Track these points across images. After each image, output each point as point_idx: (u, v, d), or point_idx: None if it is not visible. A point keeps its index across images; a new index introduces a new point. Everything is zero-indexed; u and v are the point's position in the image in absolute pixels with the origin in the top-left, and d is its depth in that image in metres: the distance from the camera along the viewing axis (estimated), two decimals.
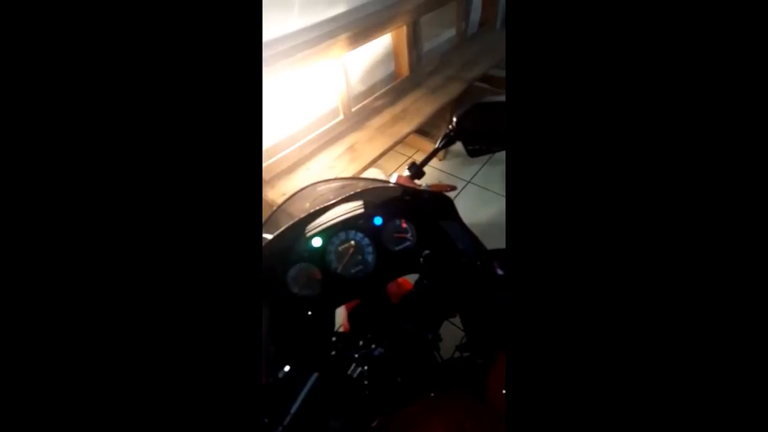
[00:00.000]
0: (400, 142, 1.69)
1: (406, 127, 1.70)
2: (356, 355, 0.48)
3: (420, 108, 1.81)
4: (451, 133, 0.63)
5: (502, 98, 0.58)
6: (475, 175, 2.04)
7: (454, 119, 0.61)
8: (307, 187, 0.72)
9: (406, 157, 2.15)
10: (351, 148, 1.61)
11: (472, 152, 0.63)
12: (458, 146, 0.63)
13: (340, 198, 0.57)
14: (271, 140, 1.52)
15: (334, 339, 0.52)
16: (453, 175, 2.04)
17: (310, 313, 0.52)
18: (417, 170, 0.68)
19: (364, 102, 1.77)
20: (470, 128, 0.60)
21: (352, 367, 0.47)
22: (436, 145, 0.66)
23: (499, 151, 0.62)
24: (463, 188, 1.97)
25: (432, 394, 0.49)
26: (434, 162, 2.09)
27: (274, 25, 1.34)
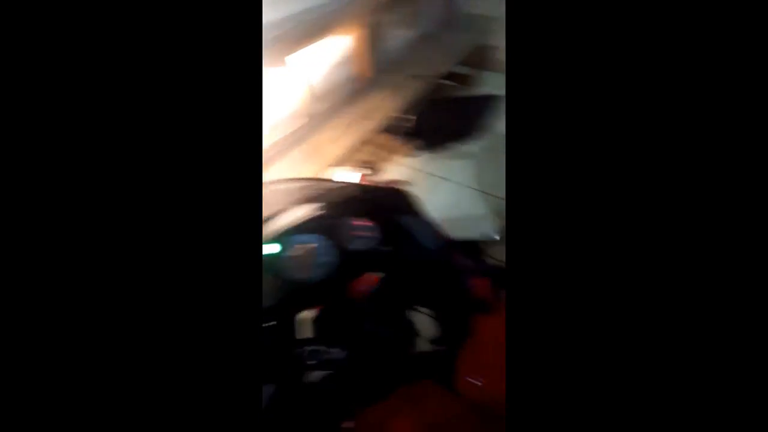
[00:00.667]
0: (365, 140, 1.68)
1: (369, 126, 1.69)
2: (315, 362, 0.46)
3: (383, 107, 1.81)
4: (412, 129, 0.63)
5: (462, 94, 0.58)
6: (445, 169, 2.06)
7: (413, 117, 0.61)
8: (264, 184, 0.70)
9: (371, 156, 2.14)
10: (315, 149, 1.59)
11: (432, 146, 0.63)
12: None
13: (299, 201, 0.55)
14: None
15: (297, 347, 0.50)
16: (422, 171, 2.05)
17: (270, 324, 0.50)
18: (372, 168, 0.67)
19: (327, 103, 1.75)
20: (430, 124, 0.61)
21: (313, 374, 0.45)
22: (398, 141, 0.65)
23: (457, 144, 0.62)
24: (433, 183, 1.99)
25: (401, 388, 0.48)
26: (402, 158, 2.09)
27: None
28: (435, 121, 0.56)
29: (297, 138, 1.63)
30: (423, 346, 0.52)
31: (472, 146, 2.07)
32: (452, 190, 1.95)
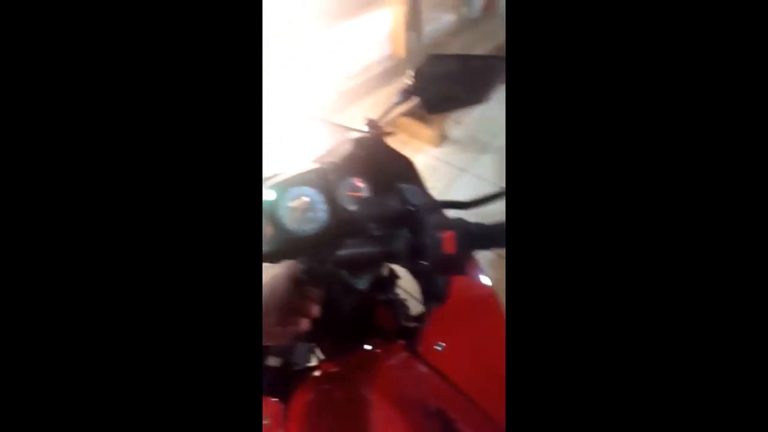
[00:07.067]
0: (389, 122, 1.67)
1: (398, 109, 1.67)
2: None
3: None
4: (410, 88, 0.61)
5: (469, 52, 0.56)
6: (470, 163, 2.00)
7: (412, 73, 0.59)
8: None
9: (396, 140, 2.12)
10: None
11: (431, 107, 0.61)
12: (456, 133, 0.61)
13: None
14: None
15: None
16: (448, 163, 2.01)
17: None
18: (374, 126, 0.66)
19: (357, 81, 1.75)
20: (429, 82, 0.58)
21: None
22: (395, 100, 0.64)
23: (458, 108, 0.59)
24: (458, 177, 1.94)
25: (367, 347, 0.48)
26: (428, 148, 2.06)
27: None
28: (436, 79, 0.54)
29: (324, 114, 1.65)
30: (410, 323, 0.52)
31: (496, 140, 2.00)
32: (470, 183, 1.90)
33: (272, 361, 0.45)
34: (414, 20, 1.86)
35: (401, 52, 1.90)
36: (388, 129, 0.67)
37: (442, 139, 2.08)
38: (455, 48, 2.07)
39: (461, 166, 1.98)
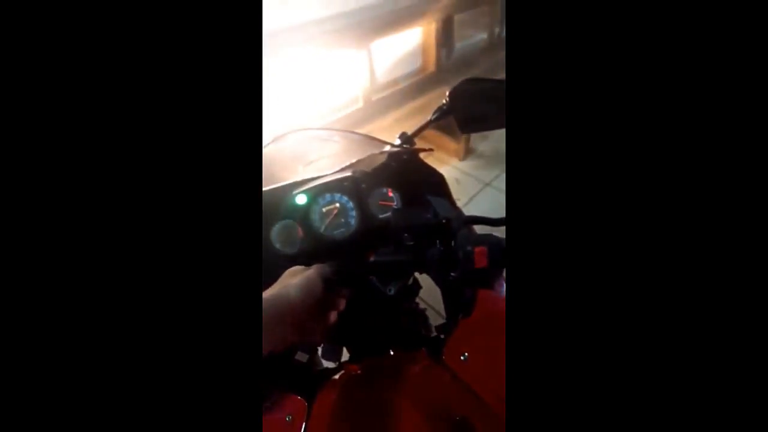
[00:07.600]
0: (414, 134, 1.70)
1: (422, 121, 1.70)
2: None
3: (440, 103, 1.80)
4: (445, 107, 0.63)
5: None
6: (495, 178, 1.99)
7: (447, 92, 0.61)
8: (292, 132, 0.75)
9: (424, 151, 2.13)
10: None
11: (464, 127, 0.62)
12: (482, 147, 0.62)
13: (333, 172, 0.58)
14: (285, 123, 1.57)
15: None
16: (471, 176, 2.01)
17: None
18: (407, 140, 0.69)
19: (386, 92, 1.79)
20: (463, 102, 0.60)
21: None
22: (430, 118, 0.67)
23: (491, 129, 0.61)
24: (481, 190, 1.94)
25: (392, 352, 0.49)
26: (453, 161, 2.06)
27: (299, 10, 1.39)
28: (471, 101, 0.55)
29: (349, 123, 1.70)
30: (434, 334, 0.53)
31: None
32: (494, 198, 1.89)
33: (300, 357, 0.47)
34: (446, 37, 1.89)
35: (431, 66, 1.94)
36: (420, 143, 0.69)
37: (468, 152, 2.08)
38: (485, 65, 2.09)
39: (485, 179, 1.98)
